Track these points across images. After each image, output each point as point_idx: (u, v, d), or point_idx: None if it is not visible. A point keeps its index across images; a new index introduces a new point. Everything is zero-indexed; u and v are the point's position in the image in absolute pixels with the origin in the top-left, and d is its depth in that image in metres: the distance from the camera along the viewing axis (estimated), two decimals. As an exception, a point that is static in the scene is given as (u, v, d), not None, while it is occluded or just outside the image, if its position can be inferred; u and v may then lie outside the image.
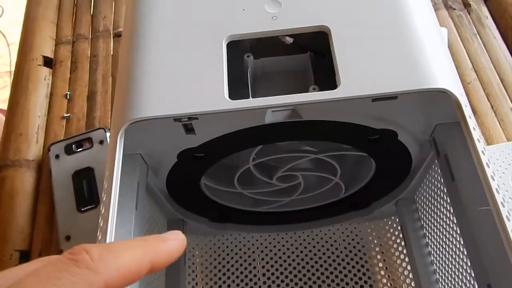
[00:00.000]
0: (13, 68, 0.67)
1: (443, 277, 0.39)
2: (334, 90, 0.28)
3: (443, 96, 0.28)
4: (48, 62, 0.67)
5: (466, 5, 0.66)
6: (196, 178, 0.37)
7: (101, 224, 0.27)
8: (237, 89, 0.29)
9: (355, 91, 0.27)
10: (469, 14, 0.65)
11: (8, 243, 0.52)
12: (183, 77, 0.29)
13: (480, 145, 0.27)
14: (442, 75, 0.28)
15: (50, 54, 0.68)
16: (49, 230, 0.53)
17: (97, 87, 0.63)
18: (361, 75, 0.28)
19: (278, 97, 0.28)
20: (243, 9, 0.31)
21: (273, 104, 0.28)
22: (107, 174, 0.28)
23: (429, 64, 0.28)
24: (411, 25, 0.30)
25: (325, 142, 0.37)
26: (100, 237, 0.27)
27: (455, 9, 0.66)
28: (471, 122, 0.27)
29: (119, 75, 0.31)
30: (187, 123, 0.29)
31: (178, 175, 0.36)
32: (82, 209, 0.52)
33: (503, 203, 0.25)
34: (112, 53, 0.67)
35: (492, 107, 0.57)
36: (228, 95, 0.28)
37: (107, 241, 0.26)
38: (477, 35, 0.63)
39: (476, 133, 0.27)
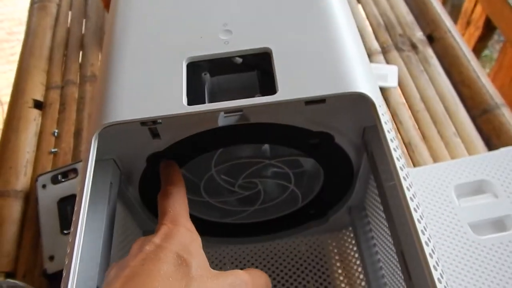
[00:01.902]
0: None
1: (390, 281, 0.43)
2: (273, 95, 0.34)
3: (365, 100, 0.34)
4: (38, 105, 0.73)
5: (414, 47, 0.74)
6: (165, 184, 0.42)
7: (74, 218, 0.31)
8: (195, 99, 0.35)
9: (289, 95, 0.33)
10: (417, 54, 0.73)
11: (-6, 266, 0.56)
12: (150, 89, 0.35)
13: (392, 144, 0.32)
14: (361, 81, 0.34)
15: (40, 98, 0.74)
16: (34, 253, 0.57)
17: (83, 124, 0.69)
18: (295, 82, 0.34)
19: (228, 102, 0.34)
20: (201, 37, 0.38)
21: (223, 108, 0.33)
22: (80, 177, 0.33)
23: (350, 72, 0.34)
24: (336, 41, 0.36)
25: (280, 151, 0.43)
26: (72, 229, 0.30)
27: (404, 50, 0.74)
28: (385, 122, 0.33)
29: (96, 88, 0.37)
30: (152, 127, 0.35)
31: (149, 181, 0.41)
32: (66, 232, 0.56)
33: (409, 187, 0.29)
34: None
35: (438, 132, 0.63)
36: (186, 102, 0.34)
37: (78, 231, 0.29)
38: (424, 72, 0.70)
39: (390, 135, 0.33)
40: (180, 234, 0.31)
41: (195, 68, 0.37)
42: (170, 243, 0.30)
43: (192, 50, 0.37)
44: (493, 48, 1.79)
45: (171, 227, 0.32)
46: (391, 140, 0.32)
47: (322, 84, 0.34)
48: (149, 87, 0.35)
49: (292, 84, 0.34)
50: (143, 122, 0.34)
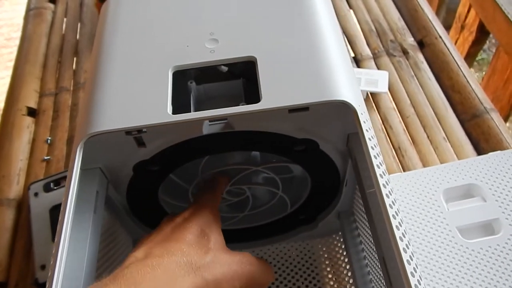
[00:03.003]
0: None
1: (377, 285, 0.44)
2: (257, 104, 0.34)
3: (347, 107, 0.34)
4: (31, 112, 0.74)
5: (405, 52, 0.75)
6: (153, 192, 0.42)
7: (58, 228, 0.31)
8: (181, 108, 0.36)
9: (273, 104, 0.34)
10: (408, 60, 0.74)
11: (-13, 274, 0.56)
12: (135, 98, 0.35)
13: (373, 151, 0.32)
14: (344, 89, 0.34)
15: (34, 105, 0.74)
16: (26, 263, 0.57)
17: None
18: (279, 91, 0.34)
19: (212, 110, 0.34)
20: (187, 46, 0.38)
21: (207, 116, 0.34)
22: (66, 185, 0.33)
23: (333, 80, 0.35)
24: (320, 51, 0.37)
25: (269, 158, 0.43)
26: (56, 239, 0.31)
27: (395, 55, 0.74)
28: (367, 130, 0.33)
29: (83, 98, 0.37)
30: (137, 136, 0.35)
31: (136, 189, 0.41)
32: (57, 239, 0.56)
33: (389, 194, 0.30)
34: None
35: (428, 137, 0.64)
36: (171, 112, 0.34)
37: (62, 240, 0.30)
38: (414, 77, 0.71)
39: (371, 142, 0.33)
40: (205, 213, 0.38)
41: (181, 76, 0.38)
42: (196, 218, 0.37)
43: (178, 58, 0.37)
44: (490, 51, 1.80)
45: (198, 207, 0.38)
46: (372, 147, 0.32)
47: (305, 92, 0.34)
48: (135, 96, 0.35)
49: (276, 92, 0.34)
50: (128, 131, 0.34)
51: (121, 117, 0.34)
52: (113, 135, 0.34)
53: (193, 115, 0.34)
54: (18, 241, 0.60)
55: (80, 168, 0.34)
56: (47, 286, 0.29)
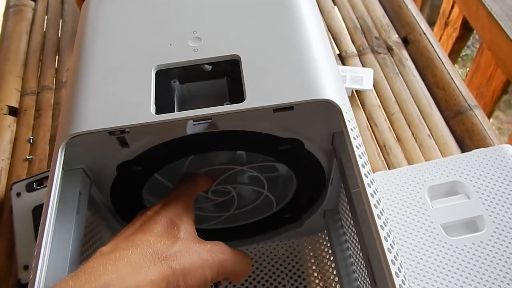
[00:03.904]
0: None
1: (362, 284, 0.44)
2: (241, 103, 0.34)
3: (332, 106, 0.34)
4: (13, 111, 0.72)
5: (390, 49, 0.75)
6: (137, 192, 0.42)
7: (40, 230, 0.31)
8: (164, 108, 0.35)
9: (257, 103, 0.34)
10: (392, 57, 0.74)
11: (-32, 276, 0.55)
12: (117, 98, 0.34)
13: (358, 150, 0.32)
14: (328, 88, 0.34)
15: (15, 104, 0.73)
16: (8, 263, 0.56)
17: (59, 131, 0.68)
18: (263, 90, 0.34)
19: (195, 110, 0.34)
20: (170, 44, 0.38)
21: (191, 116, 0.34)
22: (48, 186, 0.33)
23: (317, 80, 0.35)
24: (304, 50, 0.36)
25: (254, 157, 0.43)
26: (37, 241, 0.30)
27: (380, 53, 0.75)
28: (351, 129, 0.33)
29: (64, 97, 0.37)
30: (120, 136, 0.35)
31: (120, 190, 0.41)
32: (40, 240, 0.56)
33: (374, 194, 0.30)
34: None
35: (413, 134, 0.64)
36: (154, 111, 0.34)
37: (44, 242, 0.30)
38: (399, 74, 0.71)
39: (356, 141, 0.33)
40: (177, 205, 0.37)
41: (164, 76, 0.37)
42: (166, 210, 0.37)
43: (161, 57, 0.37)
44: (474, 48, 1.82)
45: (172, 199, 0.38)
46: (356, 146, 0.32)
47: (290, 91, 0.34)
48: (117, 96, 0.35)
49: (260, 91, 0.34)
50: (111, 132, 0.34)
51: (103, 117, 0.33)
52: (95, 135, 0.33)
53: (176, 115, 0.34)
54: (0, 242, 0.59)
55: (63, 169, 0.33)
56: (29, 283, 0.28)
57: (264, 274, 0.52)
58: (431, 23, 1.16)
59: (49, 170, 0.61)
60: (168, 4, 0.41)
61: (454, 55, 1.29)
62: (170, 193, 0.39)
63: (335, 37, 0.78)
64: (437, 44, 0.75)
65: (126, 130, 0.34)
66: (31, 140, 0.68)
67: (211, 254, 0.35)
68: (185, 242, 0.34)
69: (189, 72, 0.39)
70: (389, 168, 0.61)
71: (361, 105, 0.68)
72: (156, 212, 0.37)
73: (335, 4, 0.84)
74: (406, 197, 0.53)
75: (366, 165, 0.31)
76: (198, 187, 0.41)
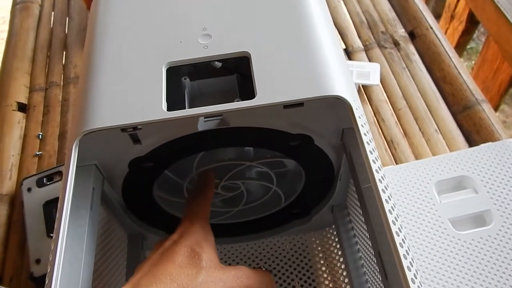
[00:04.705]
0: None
1: (371, 278, 0.44)
2: (252, 100, 0.34)
3: (342, 103, 0.34)
4: (22, 108, 0.73)
5: (396, 44, 0.75)
6: (148, 188, 0.42)
7: (56, 226, 0.31)
8: (175, 104, 0.36)
9: (268, 100, 0.34)
10: (399, 51, 0.74)
11: (-19, 270, 0.56)
12: (129, 95, 0.35)
13: (369, 146, 0.33)
14: (339, 84, 0.34)
15: (24, 100, 0.74)
16: (20, 257, 0.57)
17: (68, 127, 0.69)
18: (273, 86, 0.34)
19: (207, 107, 0.34)
20: (180, 41, 0.38)
21: (202, 113, 0.34)
22: (62, 182, 0.33)
23: (328, 75, 0.35)
24: (314, 46, 0.36)
25: (263, 153, 0.44)
26: (54, 236, 0.31)
27: (386, 47, 0.75)
28: (362, 125, 0.33)
29: (76, 94, 0.37)
30: (132, 133, 0.35)
31: (132, 186, 0.41)
32: (52, 235, 0.56)
33: (385, 189, 0.30)
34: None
35: (420, 129, 0.64)
36: (166, 108, 0.34)
37: (60, 237, 0.30)
38: (406, 69, 0.71)
39: (366, 137, 0.33)
40: (195, 231, 0.36)
41: (175, 73, 0.38)
42: (185, 239, 0.35)
43: (172, 55, 0.37)
44: (479, 41, 1.81)
45: (188, 225, 0.37)
46: (367, 142, 0.33)
47: (300, 88, 0.34)
48: (129, 93, 0.35)
49: (271, 88, 0.34)
50: (123, 128, 0.34)
51: (116, 114, 0.34)
52: (108, 132, 0.34)
53: (188, 111, 0.34)
54: (12, 236, 0.59)
55: (76, 165, 0.34)
56: (46, 282, 0.29)
57: (272, 268, 0.53)
58: (436, 16, 1.16)
59: (59, 166, 0.62)
60: (178, 1, 0.42)
61: (460, 48, 1.28)
62: (184, 218, 0.38)
63: (341, 31, 0.78)
64: (444, 38, 0.75)
65: (139, 127, 0.34)
66: (40, 136, 0.69)
67: (236, 281, 0.34)
68: (208, 271, 0.33)
69: (199, 69, 0.39)
70: (396, 163, 0.61)
71: (368, 100, 0.69)
72: (175, 241, 0.35)
73: (341, -2, 0.84)
74: (413, 192, 0.54)
75: (377, 160, 0.32)
76: (209, 197, 0.41)
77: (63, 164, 0.62)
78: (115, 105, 0.34)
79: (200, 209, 0.39)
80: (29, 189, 0.61)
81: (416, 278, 0.26)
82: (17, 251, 0.58)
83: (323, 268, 0.52)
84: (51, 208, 0.59)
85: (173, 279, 0.31)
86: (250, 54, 0.37)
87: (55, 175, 0.62)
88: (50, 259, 0.29)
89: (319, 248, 0.54)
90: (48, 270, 0.29)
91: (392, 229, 0.27)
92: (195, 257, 0.34)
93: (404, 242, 0.27)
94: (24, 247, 0.58)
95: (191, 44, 0.38)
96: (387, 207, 0.28)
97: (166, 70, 0.37)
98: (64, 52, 0.81)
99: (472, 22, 1.19)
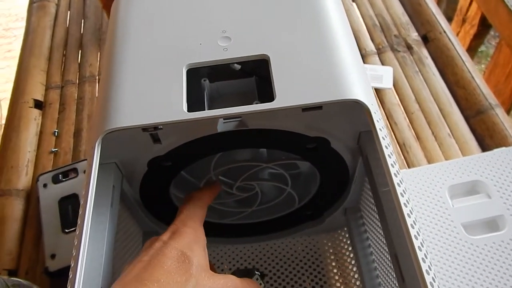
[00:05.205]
0: (3, 122, 0.74)
1: (384, 281, 0.45)
2: (271, 102, 0.34)
3: (360, 106, 0.35)
4: (38, 105, 0.74)
5: (409, 48, 0.75)
6: (165, 186, 0.43)
7: (79, 222, 0.32)
8: (195, 105, 0.36)
9: (287, 102, 0.34)
10: (412, 55, 0.74)
11: (-3, 263, 0.57)
12: (150, 95, 0.35)
13: (387, 150, 0.33)
14: (357, 88, 0.35)
15: (40, 98, 0.75)
16: (35, 251, 0.58)
17: (83, 124, 0.70)
18: (292, 89, 0.35)
19: (226, 109, 0.34)
20: (200, 43, 0.39)
21: (222, 114, 0.34)
22: (85, 181, 0.34)
23: (346, 79, 0.35)
24: (332, 49, 0.37)
25: (279, 155, 0.44)
26: (77, 232, 0.31)
27: (399, 51, 0.75)
28: (380, 129, 0.34)
29: (98, 94, 0.38)
30: (153, 132, 0.36)
31: (149, 184, 0.42)
32: (67, 231, 0.57)
33: (403, 193, 0.30)
34: (97, 95, 0.74)
35: (433, 133, 0.64)
36: (186, 109, 0.35)
37: (84, 233, 0.30)
38: (419, 73, 0.72)
39: (385, 141, 0.34)
40: (186, 234, 0.35)
41: (195, 74, 0.38)
42: (175, 241, 0.33)
43: (192, 56, 0.38)
44: (489, 44, 1.80)
45: (179, 226, 0.35)
46: (386, 146, 0.33)
47: (319, 91, 0.35)
48: (150, 93, 0.36)
49: (289, 91, 0.35)
50: (145, 128, 0.35)
51: (138, 114, 0.34)
52: (129, 131, 0.34)
53: (208, 113, 0.34)
54: (28, 230, 0.60)
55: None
56: (70, 276, 0.30)
57: (284, 269, 0.53)
58: (447, 19, 1.16)
59: (74, 163, 0.63)
60: (198, 3, 0.42)
61: (471, 52, 1.28)
62: (176, 217, 0.37)
63: (354, 34, 0.78)
64: (457, 42, 0.75)
65: (159, 126, 0.35)
66: (56, 133, 0.70)
67: None
68: (198, 278, 0.32)
69: (218, 71, 0.40)
70: (408, 167, 0.61)
71: (381, 103, 0.69)
72: (165, 243, 0.33)
73: (353, 1, 0.85)
74: (426, 196, 0.54)
75: (395, 164, 0.32)
76: (205, 204, 0.40)
77: (79, 161, 0.63)
78: (137, 105, 0.35)
79: (194, 211, 0.38)
80: (45, 185, 0.62)
81: (434, 281, 0.27)
82: (33, 245, 0.59)
83: (335, 270, 0.53)
84: (66, 204, 0.60)
85: (160, 286, 0.30)
86: (269, 57, 0.37)
87: (70, 172, 0.63)
88: (74, 254, 0.30)
89: (331, 250, 0.54)
90: (72, 265, 0.30)
91: (411, 232, 0.28)
92: (185, 261, 0.32)
93: (422, 246, 0.28)
94: (39, 241, 0.59)
95: (211, 46, 0.38)
96: (405, 210, 0.29)
97: (186, 72, 0.37)
98: (80, 51, 0.82)
99: (484, 26, 1.18)
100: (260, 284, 0.44)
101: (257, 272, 0.44)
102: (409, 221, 0.28)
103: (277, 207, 0.50)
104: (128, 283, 0.30)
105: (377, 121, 0.34)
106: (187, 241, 0.34)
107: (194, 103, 0.36)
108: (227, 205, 0.49)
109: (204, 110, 0.36)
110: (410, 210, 0.29)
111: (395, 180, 0.30)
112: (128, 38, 0.39)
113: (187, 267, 0.32)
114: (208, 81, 0.39)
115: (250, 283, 0.37)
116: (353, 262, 0.52)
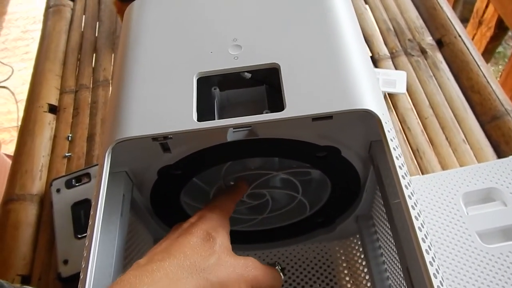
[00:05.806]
0: (20, 123, 0.75)
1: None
2: (281, 112, 0.34)
3: (371, 116, 0.34)
4: (52, 109, 0.75)
5: (423, 52, 0.74)
6: (175, 194, 0.43)
7: (88, 232, 0.32)
8: (205, 115, 0.36)
9: (297, 112, 0.34)
10: (426, 59, 0.73)
11: (11, 268, 0.57)
12: (161, 105, 0.36)
13: (398, 161, 0.33)
14: (368, 98, 0.34)
15: (54, 102, 0.76)
16: (48, 256, 0.59)
17: (96, 129, 0.71)
18: (302, 99, 0.35)
19: (236, 118, 0.34)
20: (211, 52, 0.39)
21: (232, 124, 0.34)
22: (95, 190, 0.34)
23: (357, 88, 0.35)
24: (343, 58, 0.37)
25: (289, 163, 0.44)
26: (87, 243, 0.32)
27: (413, 55, 0.74)
28: (391, 139, 0.33)
29: (109, 103, 0.38)
30: (163, 142, 0.36)
31: (160, 192, 0.42)
32: (79, 236, 0.58)
33: (414, 206, 0.30)
34: (108, 102, 0.74)
35: (447, 139, 0.63)
36: (196, 119, 0.35)
37: (93, 243, 0.31)
38: (433, 77, 0.71)
39: (396, 152, 0.33)
40: (213, 217, 0.38)
41: (205, 83, 0.38)
42: (202, 222, 0.37)
43: (203, 65, 0.38)
44: (507, 45, 1.77)
45: (207, 212, 0.39)
46: (396, 157, 0.33)
47: (329, 100, 0.34)
48: (161, 103, 0.36)
49: (300, 100, 0.35)
50: (155, 138, 0.35)
51: (148, 124, 0.34)
52: (140, 140, 0.34)
53: (218, 122, 0.34)
54: (41, 235, 0.61)
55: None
56: (79, 285, 0.30)
57: (296, 277, 0.53)
58: (463, 21, 1.14)
59: (87, 168, 0.63)
60: (209, 12, 0.42)
61: (488, 54, 1.26)
62: (206, 205, 0.40)
63: (367, 39, 0.78)
64: (472, 46, 0.73)
65: (169, 136, 0.35)
66: (69, 137, 0.70)
67: (245, 269, 0.35)
68: (221, 255, 0.34)
69: (228, 79, 0.40)
70: (422, 173, 0.61)
71: (394, 108, 0.68)
72: (192, 224, 0.37)
73: (366, 3, 0.84)
74: (440, 203, 0.53)
75: (406, 176, 0.32)
76: (239, 196, 0.42)
77: (92, 166, 0.64)
78: (147, 114, 0.35)
79: (223, 204, 0.40)
80: (58, 190, 0.63)
81: (445, 296, 0.26)
82: (46, 251, 0.59)
83: (347, 278, 0.52)
84: (79, 209, 0.60)
85: (186, 257, 0.33)
86: (279, 66, 0.37)
87: (84, 177, 0.64)
88: (83, 266, 0.30)
89: (343, 258, 0.54)
90: (81, 277, 0.30)
91: (422, 247, 0.27)
92: (209, 240, 0.35)
93: (434, 261, 0.27)
94: (52, 247, 0.59)
95: (222, 55, 0.38)
96: (416, 224, 0.28)
97: (197, 80, 0.37)
98: (94, 55, 0.82)
99: (501, 28, 1.17)
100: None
101: (277, 266, 0.44)
102: (420, 235, 0.27)
103: (288, 214, 0.50)
104: (157, 253, 0.33)
105: (388, 131, 0.34)
106: (213, 224, 0.37)
107: (204, 112, 0.36)
108: (238, 212, 0.49)
109: (214, 119, 0.36)
110: (421, 223, 0.28)
111: (406, 192, 0.30)
112: (139, 47, 0.40)
113: (211, 244, 0.35)
114: (219, 89, 0.39)
115: (270, 268, 0.38)
116: (365, 270, 0.51)
